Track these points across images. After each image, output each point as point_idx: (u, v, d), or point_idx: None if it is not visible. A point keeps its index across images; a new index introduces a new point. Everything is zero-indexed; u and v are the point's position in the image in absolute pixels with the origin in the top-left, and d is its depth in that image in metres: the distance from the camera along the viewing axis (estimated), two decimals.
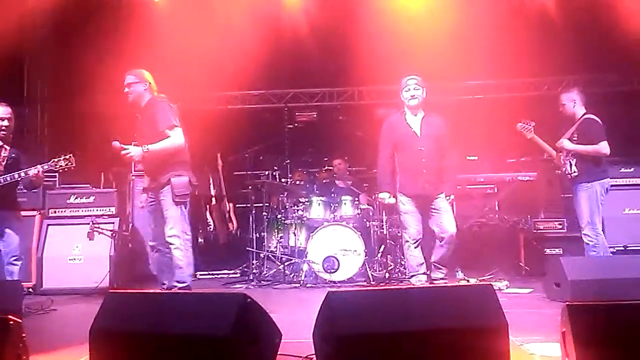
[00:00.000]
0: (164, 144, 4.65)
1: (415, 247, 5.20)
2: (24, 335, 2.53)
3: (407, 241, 5.24)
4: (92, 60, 7.37)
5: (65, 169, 4.75)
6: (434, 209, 5.15)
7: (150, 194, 4.82)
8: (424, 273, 5.22)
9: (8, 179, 4.70)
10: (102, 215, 6.18)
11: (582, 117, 5.42)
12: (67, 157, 4.72)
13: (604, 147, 5.24)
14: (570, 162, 5.36)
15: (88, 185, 6.62)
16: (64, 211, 6.23)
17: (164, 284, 4.78)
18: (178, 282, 4.65)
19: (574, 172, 5.35)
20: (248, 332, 2.67)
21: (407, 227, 5.21)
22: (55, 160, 4.72)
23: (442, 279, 5.24)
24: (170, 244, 4.65)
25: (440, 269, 5.24)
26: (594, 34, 7.46)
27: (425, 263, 5.24)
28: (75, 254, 5.93)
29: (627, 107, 7.85)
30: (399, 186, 5.27)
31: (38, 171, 4.68)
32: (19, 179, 4.73)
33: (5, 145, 4.83)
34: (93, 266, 5.83)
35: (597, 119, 5.38)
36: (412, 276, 5.27)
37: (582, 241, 5.33)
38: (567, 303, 2.52)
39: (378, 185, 5.45)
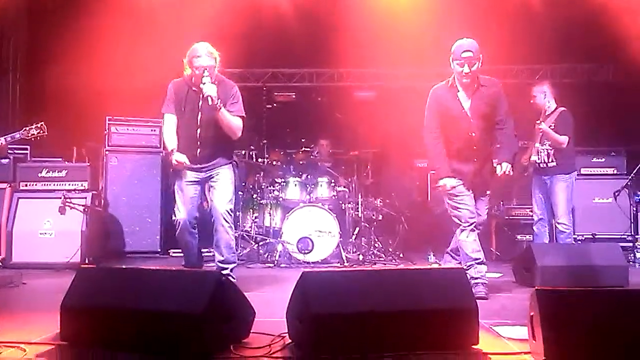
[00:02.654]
0: (234, 120, 4.42)
1: (471, 232, 4.38)
2: None
3: (459, 224, 4.41)
4: (67, 32, 7.21)
5: (38, 137, 4.68)
6: (479, 198, 4.53)
7: (198, 173, 4.48)
8: (482, 262, 4.38)
9: None
10: (74, 189, 6.07)
11: (557, 109, 5.62)
12: (39, 125, 4.67)
13: (564, 140, 5.47)
14: (548, 151, 5.50)
15: (60, 159, 6.50)
16: (35, 185, 6.08)
17: (194, 264, 4.69)
18: (233, 262, 4.61)
19: (551, 162, 5.48)
20: (222, 309, 2.68)
21: (459, 207, 4.40)
22: (27, 128, 4.65)
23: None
24: (226, 221, 4.47)
25: (455, 258, 4.71)
26: (571, 24, 7.53)
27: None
28: (46, 228, 5.81)
29: (600, 97, 7.96)
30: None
31: (2, 142, 4.59)
32: None
33: None
34: (64, 241, 5.73)
35: (570, 113, 5.60)
36: (468, 267, 4.31)
37: (552, 228, 5.48)
38: (536, 288, 2.57)
39: (436, 170, 4.60)
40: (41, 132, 4.65)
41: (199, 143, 4.42)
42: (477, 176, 4.43)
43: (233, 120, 4.43)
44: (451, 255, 4.81)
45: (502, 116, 4.43)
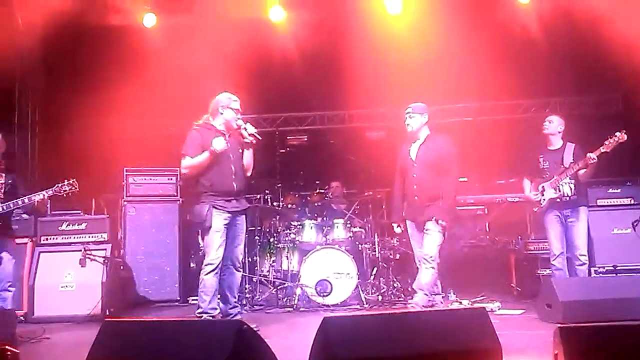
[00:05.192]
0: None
1: (419, 267, 5.26)
2: None
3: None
4: (83, 86, 7.42)
5: (69, 193, 4.83)
6: (423, 232, 5.19)
7: (230, 216, 4.81)
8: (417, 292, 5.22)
9: (11, 205, 4.73)
10: (94, 241, 6.15)
11: (566, 144, 5.60)
12: (71, 181, 4.83)
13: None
14: (570, 185, 5.45)
15: (79, 212, 6.59)
16: (56, 238, 6.19)
17: (216, 308, 4.85)
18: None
19: (574, 195, 5.45)
20: (244, 359, 2.69)
21: (413, 248, 5.39)
22: (59, 185, 4.80)
23: (425, 304, 5.08)
24: (241, 266, 5.00)
25: (416, 292, 5.19)
26: (578, 56, 7.61)
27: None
28: (67, 281, 5.87)
29: (610, 128, 7.94)
30: (405, 212, 5.43)
31: (43, 197, 4.73)
32: (21, 205, 4.75)
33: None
34: (85, 293, 5.78)
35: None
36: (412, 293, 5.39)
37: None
38: (559, 325, 2.56)
39: (389, 215, 5.76)
40: (73, 188, 4.80)
41: (233, 177, 4.85)
42: (417, 213, 5.20)
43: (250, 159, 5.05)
44: (413, 289, 5.31)
45: (444, 168, 5.16)
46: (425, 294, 5.11)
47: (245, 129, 4.85)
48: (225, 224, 4.79)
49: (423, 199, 5.16)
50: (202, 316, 4.67)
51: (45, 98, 8.33)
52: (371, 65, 7.46)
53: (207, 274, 4.70)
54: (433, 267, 5.09)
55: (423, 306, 5.06)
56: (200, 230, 4.88)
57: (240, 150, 4.97)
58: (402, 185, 5.41)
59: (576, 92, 8.55)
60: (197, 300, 6.71)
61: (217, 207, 4.76)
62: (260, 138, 4.91)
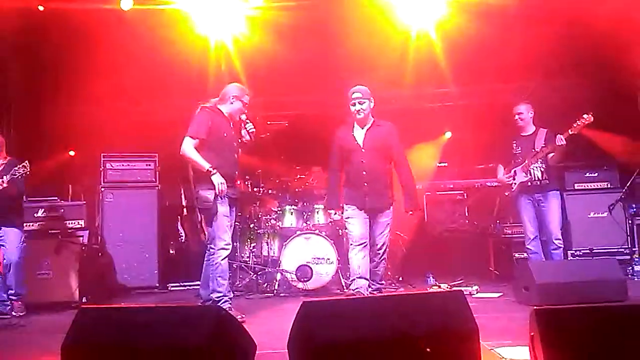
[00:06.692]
0: None
1: (359, 251, 5.08)
2: None
3: (351, 244, 5.17)
4: (60, 70, 7.27)
5: (23, 176, 4.78)
6: (375, 221, 5.18)
7: (229, 202, 4.83)
8: (362, 277, 5.05)
9: None
10: (71, 228, 6.08)
11: (539, 129, 5.66)
12: (24, 164, 4.79)
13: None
14: (541, 170, 5.51)
15: (56, 199, 6.50)
16: (32, 225, 6.10)
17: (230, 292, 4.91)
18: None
19: (545, 179, 5.49)
20: (223, 344, 2.67)
21: (351, 230, 5.17)
22: (15, 168, 4.76)
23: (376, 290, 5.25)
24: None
25: (372, 282, 5.24)
26: (551, 40, 7.63)
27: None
28: (44, 268, 5.79)
29: (587, 112, 8.03)
30: (344, 197, 5.27)
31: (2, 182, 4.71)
32: None
33: None
34: (62, 280, 5.73)
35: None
36: (351, 281, 5.15)
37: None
38: (535, 307, 2.58)
39: (326, 201, 5.67)
40: (25, 170, 4.74)
41: (235, 165, 4.92)
42: (367, 199, 5.08)
43: None
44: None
45: (396, 157, 5.20)
46: (378, 284, 5.33)
47: (246, 127, 4.91)
48: (231, 209, 4.86)
49: (375, 186, 5.11)
50: (221, 300, 4.63)
51: (22, 83, 8.14)
52: (352, 48, 7.40)
53: (223, 258, 4.69)
54: (385, 258, 5.27)
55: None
56: (204, 216, 4.82)
57: (237, 143, 5.01)
58: (340, 171, 5.31)
59: (551, 76, 8.58)
60: (175, 286, 6.78)
61: None
62: (253, 139, 4.95)
